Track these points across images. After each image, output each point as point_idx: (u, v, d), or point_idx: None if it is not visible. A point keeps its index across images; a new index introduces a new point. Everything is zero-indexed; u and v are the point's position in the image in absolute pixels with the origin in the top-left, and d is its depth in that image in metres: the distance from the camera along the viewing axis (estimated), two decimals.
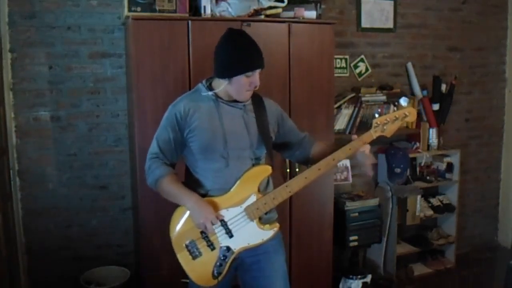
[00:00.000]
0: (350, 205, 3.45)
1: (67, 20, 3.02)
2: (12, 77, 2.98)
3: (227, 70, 1.95)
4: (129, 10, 2.64)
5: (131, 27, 2.62)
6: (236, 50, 1.94)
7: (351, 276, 3.44)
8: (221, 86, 1.99)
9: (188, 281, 2.11)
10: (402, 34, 3.91)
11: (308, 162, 2.18)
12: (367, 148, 2.00)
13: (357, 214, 3.45)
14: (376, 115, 2.05)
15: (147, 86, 2.66)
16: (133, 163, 3.01)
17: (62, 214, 3.16)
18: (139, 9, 2.65)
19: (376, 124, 2.00)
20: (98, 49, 3.10)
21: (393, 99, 3.70)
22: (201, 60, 2.70)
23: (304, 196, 3.02)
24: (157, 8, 2.67)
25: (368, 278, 3.47)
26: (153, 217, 2.73)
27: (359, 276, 3.43)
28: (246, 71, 1.93)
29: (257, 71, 1.97)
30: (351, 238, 3.44)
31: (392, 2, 3.81)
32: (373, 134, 2.00)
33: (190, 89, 2.66)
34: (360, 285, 3.43)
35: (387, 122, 2.00)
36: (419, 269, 3.98)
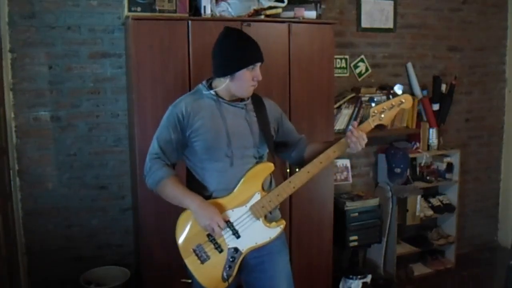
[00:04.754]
0: (350, 205, 3.45)
1: (67, 20, 3.02)
2: (12, 77, 2.98)
3: (229, 66, 1.94)
4: (129, 10, 2.64)
5: (131, 27, 2.62)
6: (237, 46, 1.95)
7: (351, 276, 3.44)
8: (222, 85, 1.98)
9: (189, 281, 2.11)
10: (402, 34, 3.91)
11: (302, 163, 2.15)
12: (364, 138, 1.98)
13: (357, 214, 3.45)
14: (373, 105, 2.06)
15: (147, 86, 2.66)
16: (133, 163, 3.00)
17: (62, 214, 3.16)
18: (139, 9, 2.65)
19: (373, 113, 2.00)
20: (98, 49, 3.10)
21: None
22: (201, 60, 2.70)
23: (304, 196, 3.02)
24: (157, 8, 2.66)
25: (368, 278, 3.47)
26: (153, 217, 2.73)
27: (359, 276, 3.43)
28: (249, 64, 1.94)
29: (258, 65, 1.98)
30: (351, 238, 3.44)
31: (392, 2, 3.81)
32: (371, 123, 2.01)
33: (190, 89, 2.66)
34: (360, 285, 3.43)
35: (384, 110, 2.00)
36: (419, 269, 3.98)
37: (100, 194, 3.22)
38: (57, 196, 3.14)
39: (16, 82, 2.99)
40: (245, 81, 1.96)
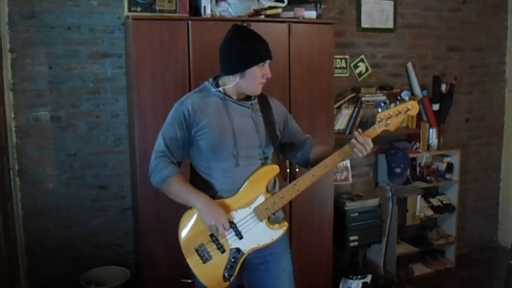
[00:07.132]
0: (350, 205, 3.45)
1: (67, 20, 3.03)
2: (12, 77, 2.98)
3: (240, 63, 1.94)
4: (129, 10, 2.64)
5: (131, 27, 2.62)
6: (247, 43, 1.95)
7: (351, 276, 3.44)
8: (231, 83, 1.97)
9: (189, 281, 2.11)
10: (402, 34, 3.91)
11: (307, 164, 2.17)
12: (369, 143, 1.97)
13: (357, 214, 3.45)
14: (379, 110, 2.05)
15: (147, 86, 2.66)
16: (133, 163, 3.00)
17: (62, 214, 3.16)
18: (139, 9, 2.65)
19: (380, 119, 2.00)
20: (98, 49, 3.11)
21: (393, 99, 3.70)
22: (201, 60, 2.70)
23: (304, 196, 3.00)
24: (157, 8, 2.66)
25: (368, 278, 3.48)
26: (153, 217, 2.73)
27: (359, 276, 3.43)
28: (260, 61, 1.94)
29: (268, 62, 1.98)
30: (351, 238, 3.44)
31: (392, 2, 3.81)
32: (377, 129, 2.00)
33: (190, 89, 2.66)
34: (360, 285, 3.43)
35: (391, 116, 2.00)
36: (419, 269, 3.98)
37: (100, 194, 3.22)
38: (57, 196, 3.14)
39: (16, 82, 2.99)
40: (255, 78, 1.96)
